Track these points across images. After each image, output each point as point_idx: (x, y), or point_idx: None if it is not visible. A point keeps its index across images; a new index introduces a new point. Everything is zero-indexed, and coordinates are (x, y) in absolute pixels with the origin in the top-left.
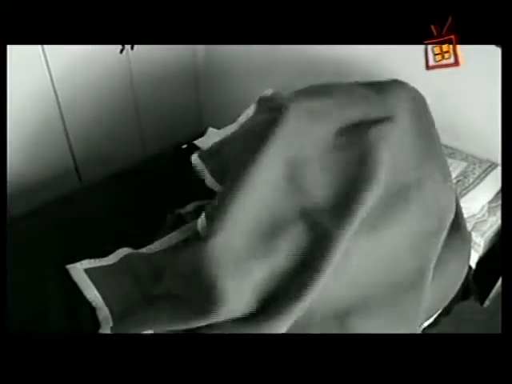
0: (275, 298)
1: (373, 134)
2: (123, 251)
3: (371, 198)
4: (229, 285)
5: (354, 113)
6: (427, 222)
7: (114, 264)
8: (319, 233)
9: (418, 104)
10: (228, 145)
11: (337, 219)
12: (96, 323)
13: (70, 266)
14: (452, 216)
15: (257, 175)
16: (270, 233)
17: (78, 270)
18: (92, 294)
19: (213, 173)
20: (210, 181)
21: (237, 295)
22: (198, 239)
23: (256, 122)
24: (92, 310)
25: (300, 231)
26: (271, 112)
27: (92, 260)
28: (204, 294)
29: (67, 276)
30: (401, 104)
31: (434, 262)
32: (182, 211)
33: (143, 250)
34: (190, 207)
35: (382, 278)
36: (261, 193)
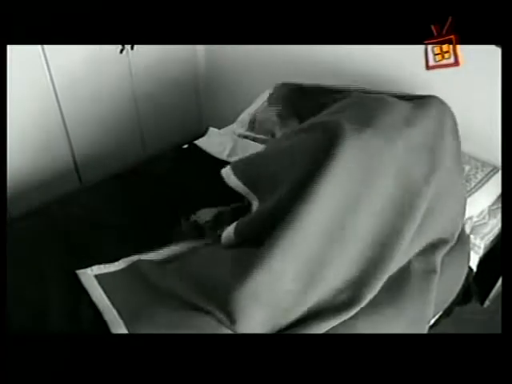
0: (304, 324)
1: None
2: (133, 258)
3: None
4: (259, 321)
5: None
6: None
7: (123, 270)
8: (363, 281)
9: (455, 121)
10: (267, 159)
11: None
12: (97, 323)
13: (80, 272)
14: (461, 225)
15: (315, 212)
16: (312, 277)
17: (88, 276)
18: (100, 297)
19: (247, 184)
20: (246, 192)
21: (265, 329)
22: (217, 242)
23: (303, 141)
24: (94, 310)
25: (344, 281)
26: (324, 132)
27: (102, 266)
28: (231, 321)
29: (67, 276)
30: (445, 122)
31: (439, 265)
32: (200, 221)
33: (152, 256)
34: (207, 215)
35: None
36: (315, 233)
